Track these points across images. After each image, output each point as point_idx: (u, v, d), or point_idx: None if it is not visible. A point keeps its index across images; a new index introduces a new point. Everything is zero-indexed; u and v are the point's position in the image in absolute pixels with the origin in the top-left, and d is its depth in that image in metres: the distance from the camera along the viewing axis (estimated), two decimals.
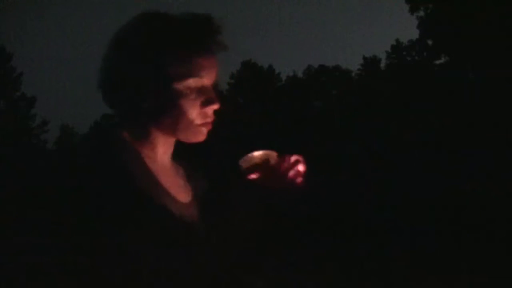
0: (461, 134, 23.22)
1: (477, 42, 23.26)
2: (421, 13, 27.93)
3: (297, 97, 39.42)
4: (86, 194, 0.99)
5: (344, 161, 26.07)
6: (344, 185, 18.67)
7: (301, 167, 1.18)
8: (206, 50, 1.10)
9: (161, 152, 1.15)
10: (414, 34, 32.69)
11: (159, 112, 1.10)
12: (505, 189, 12.99)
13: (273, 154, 1.16)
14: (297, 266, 7.09)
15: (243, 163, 1.16)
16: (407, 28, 46.67)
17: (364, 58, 41.90)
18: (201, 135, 1.13)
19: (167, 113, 1.09)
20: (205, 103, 1.11)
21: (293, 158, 1.18)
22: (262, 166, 1.15)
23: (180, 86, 1.08)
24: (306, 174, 1.19)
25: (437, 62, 30.67)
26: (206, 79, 1.11)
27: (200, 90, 1.10)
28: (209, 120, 1.13)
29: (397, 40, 38.63)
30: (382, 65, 40.19)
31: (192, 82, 1.09)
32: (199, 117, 1.11)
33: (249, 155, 1.16)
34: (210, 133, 1.15)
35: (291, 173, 1.16)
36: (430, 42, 29.63)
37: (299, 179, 1.18)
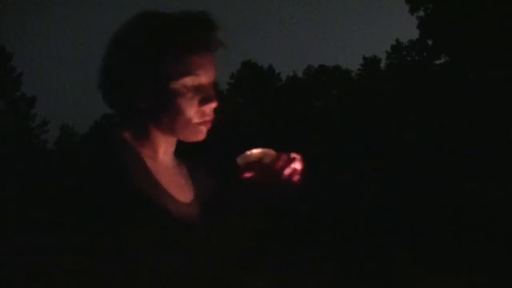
0: (461, 134, 23.22)
1: (477, 42, 23.26)
2: (421, 13, 27.94)
3: (297, 97, 39.41)
4: (86, 194, 0.99)
5: (344, 161, 26.07)
6: (344, 185, 18.68)
7: (297, 165, 1.17)
8: (201, 48, 1.09)
9: (161, 152, 1.15)
10: (414, 34, 32.71)
11: (157, 111, 1.10)
12: (505, 189, 13.00)
13: (270, 152, 1.16)
14: (297, 266, 7.09)
15: (240, 160, 1.15)
16: (407, 28, 46.74)
17: (364, 58, 41.89)
18: (200, 134, 1.13)
19: (165, 112, 1.09)
20: (203, 102, 1.10)
21: (289, 156, 1.17)
22: (258, 164, 1.15)
23: (177, 85, 1.08)
24: (303, 172, 1.18)
25: (437, 62, 30.67)
26: (204, 77, 1.10)
27: (198, 89, 1.10)
28: (208, 118, 1.12)
29: (397, 40, 38.63)
30: (382, 65, 40.18)
31: (188, 80, 1.08)
32: (197, 116, 1.10)
33: (247, 152, 1.16)
34: (210, 132, 1.14)
35: (287, 171, 1.15)
36: (430, 42, 29.62)
37: (296, 177, 1.17)
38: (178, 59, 1.07)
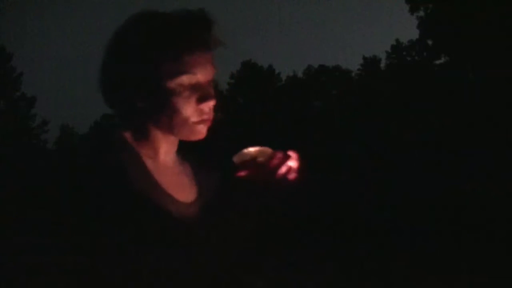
0: (461, 134, 23.24)
1: (477, 42, 23.27)
2: (421, 13, 27.96)
3: (297, 97, 39.42)
4: (86, 194, 0.99)
5: (344, 161, 26.09)
6: (344, 185, 18.69)
7: (293, 163, 1.16)
8: (198, 46, 1.08)
9: (163, 151, 1.15)
10: (414, 34, 32.77)
11: (155, 111, 1.09)
12: (505, 189, 13.01)
13: (267, 151, 1.15)
14: (297, 266, 7.10)
15: (237, 158, 1.15)
16: (407, 28, 46.76)
17: (364, 58, 41.91)
18: (199, 133, 1.12)
19: (163, 111, 1.08)
20: (201, 100, 1.09)
21: (285, 154, 1.16)
22: (254, 162, 1.15)
23: (173, 84, 1.07)
24: (300, 170, 1.17)
25: (437, 62, 30.68)
26: (201, 76, 1.09)
27: (195, 87, 1.09)
28: (206, 117, 1.11)
29: (397, 40, 38.65)
30: (382, 65, 40.20)
31: (185, 79, 1.07)
32: (195, 115, 1.09)
33: (243, 151, 1.15)
34: (211, 131, 1.14)
35: (283, 169, 1.15)
36: (430, 42, 29.64)
37: (292, 175, 1.16)
38: (174, 57, 1.07)
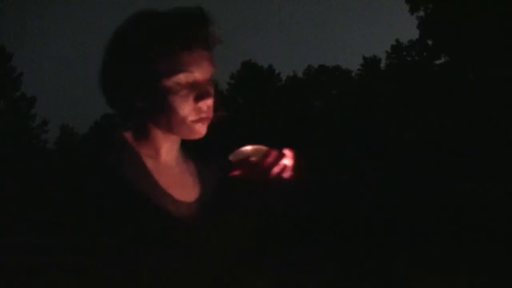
0: (461, 134, 23.24)
1: (477, 42, 23.27)
2: (421, 13, 27.96)
3: (297, 97, 39.42)
4: (86, 194, 0.99)
5: (344, 161, 26.08)
6: (344, 185, 18.68)
7: (287, 161, 1.15)
8: (194, 44, 1.08)
9: (164, 151, 1.14)
10: (414, 34, 32.78)
11: (154, 110, 1.09)
12: (505, 189, 13.01)
13: (262, 149, 1.15)
14: (297, 266, 7.10)
15: (233, 157, 1.15)
16: (407, 28, 46.77)
17: (364, 58, 41.90)
18: (198, 132, 1.11)
19: (161, 111, 1.08)
20: (198, 98, 1.08)
21: (279, 153, 1.15)
22: (250, 161, 1.14)
23: (170, 82, 1.06)
24: (295, 169, 1.16)
25: (437, 62, 30.69)
26: (198, 74, 1.08)
27: (192, 86, 1.08)
28: (204, 115, 1.09)
29: (397, 40, 38.64)
30: (382, 65, 40.20)
31: (182, 77, 1.06)
32: (193, 113, 1.08)
33: (239, 149, 1.15)
34: (212, 130, 1.13)
35: (277, 167, 1.14)
36: (430, 42, 29.64)
37: (286, 174, 1.15)
38: (170, 56, 1.06)
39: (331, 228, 10.11)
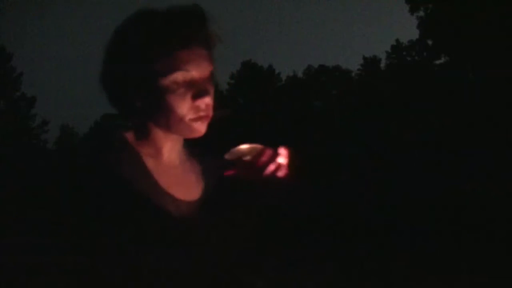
0: (461, 134, 23.24)
1: (477, 42, 23.28)
2: (421, 13, 27.98)
3: (297, 97, 39.42)
4: (86, 194, 1.00)
5: (344, 161, 26.07)
6: (344, 185, 18.67)
7: (282, 160, 1.14)
8: (191, 42, 1.07)
9: (165, 150, 1.14)
10: (414, 34, 32.79)
11: (152, 110, 1.09)
12: (505, 189, 13.00)
13: (258, 148, 1.14)
14: (297, 266, 7.09)
15: (228, 156, 1.14)
16: (407, 28, 46.83)
17: (364, 58, 41.91)
18: (197, 130, 1.10)
19: (160, 110, 1.08)
20: (196, 97, 1.07)
21: (274, 151, 1.14)
22: (245, 159, 1.14)
23: (167, 81, 1.06)
24: (290, 167, 1.16)
25: (437, 62, 30.71)
26: (195, 72, 1.07)
27: (190, 84, 1.07)
28: (203, 114, 1.09)
29: (397, 40, 38.65)
30: (382, 65, 40.22)
31: (179, 76, 1.06)
32: (191, 112, 1.08)
33: (236, 148, 1.15)
34: (212, 129, 1.13)
35: (271, 166, 1.13)
36: (430, 42, 29.65)
37: (281, 172, 1.14)
38: (167, 55, 1.06)
39: (331, 228, 10.10)
